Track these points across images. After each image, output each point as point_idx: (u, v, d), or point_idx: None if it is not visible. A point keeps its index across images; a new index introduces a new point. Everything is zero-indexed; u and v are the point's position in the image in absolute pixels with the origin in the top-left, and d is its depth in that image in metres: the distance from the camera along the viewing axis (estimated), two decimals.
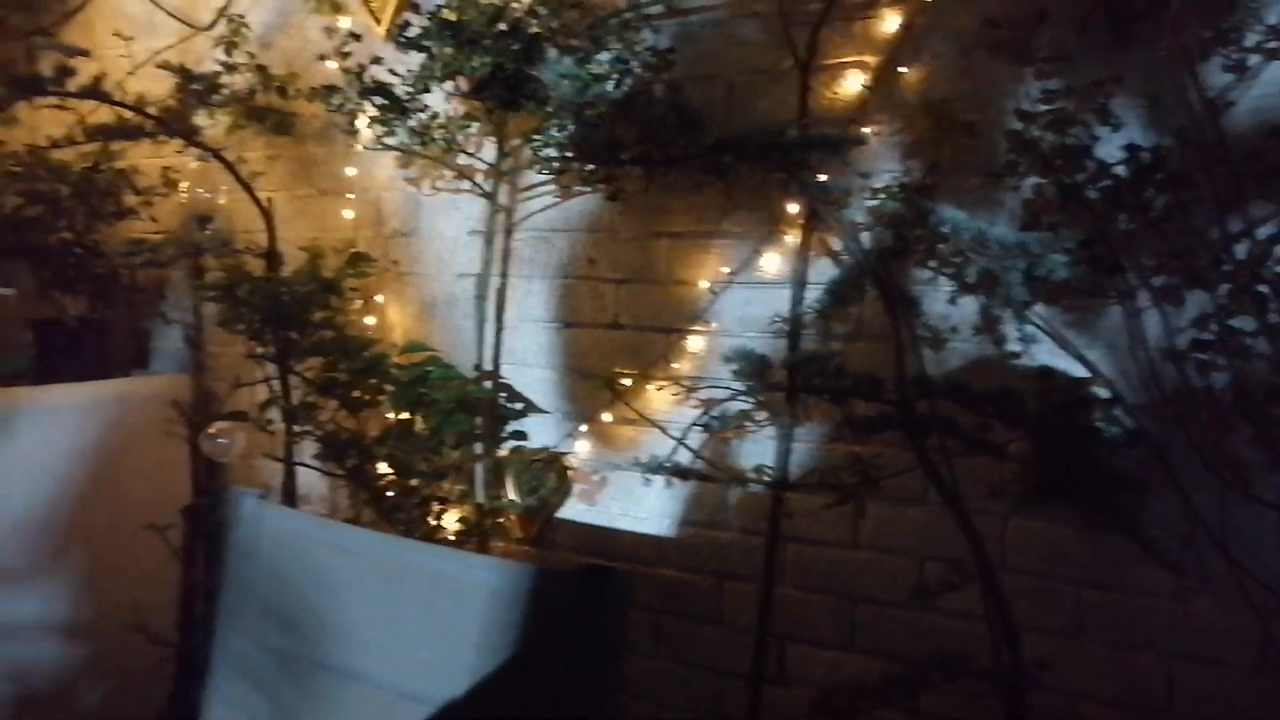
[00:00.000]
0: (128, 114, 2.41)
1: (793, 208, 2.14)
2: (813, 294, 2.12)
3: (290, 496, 2.55)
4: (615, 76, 2.10)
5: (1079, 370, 1.89)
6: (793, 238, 2.16)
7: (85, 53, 2.40)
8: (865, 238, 2.03)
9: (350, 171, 2.76)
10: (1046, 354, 1.91)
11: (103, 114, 2.66)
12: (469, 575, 1.37)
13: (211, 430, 2.51)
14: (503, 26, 2.13)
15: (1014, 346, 1.92)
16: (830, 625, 2.21)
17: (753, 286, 2.25)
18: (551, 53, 1.95)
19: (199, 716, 2.64)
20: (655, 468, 2.02)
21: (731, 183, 2.07)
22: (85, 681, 2.67)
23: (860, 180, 2.05)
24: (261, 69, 2.75)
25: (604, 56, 2.14)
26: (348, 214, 2.77)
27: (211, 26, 2.86)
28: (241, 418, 2.35)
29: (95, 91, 2.34)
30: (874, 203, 1.99)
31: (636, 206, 2.34)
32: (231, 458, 2.56)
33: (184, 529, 2.63)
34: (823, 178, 2.03)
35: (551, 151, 2.18)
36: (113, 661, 2.70)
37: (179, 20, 2.97)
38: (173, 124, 2.40)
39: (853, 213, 2.04)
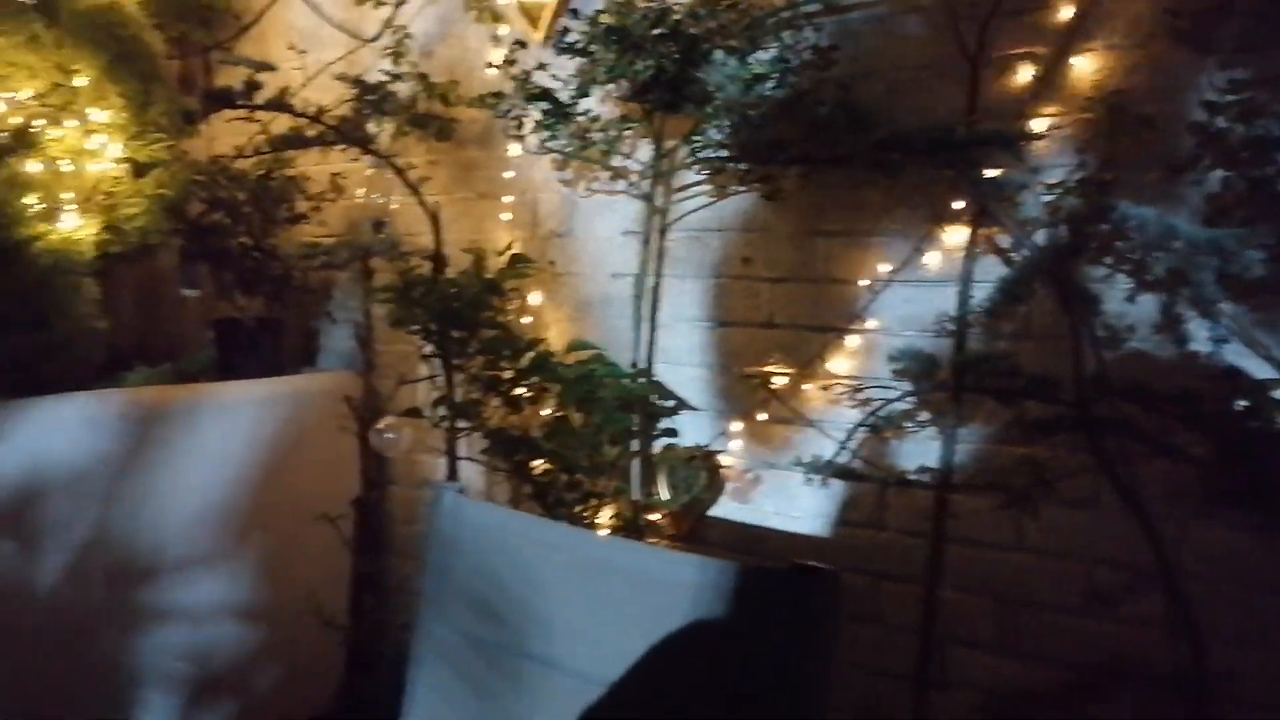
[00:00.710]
0: (306, 123, 2.54)
1: (957, 204, 2.11)
2: (978, 292, 2.09)
3: None
4: (776, 76, 2.11)
5: (1266, 371, 1.81)
6: (957, 235, 2.13)
7: (272, 68, 2.54)
8: (1039, 235, 1.99)
9: (508, 175, 2.84)
10: (1231, 353, 1.84)
11: (281, 124, 2.83)
12: (672, 572, 1.39)
13: (380, 426, 2.63)
14: (663, 30, 2.17)
15: (1201, 346, 1.84)
16: (991, 628, 2.17)
17: (913, 285, 2.23)
18: (718, 54, 1.97)
19: (370, 699, 2.78)
20: (818, 468, 2.02)
21: (896, 180, 2.05)
22: (261, 664, 2.82)
23: (1032, 176, 2.00)
24: (423, 77, 2.86)
25: (764, 56, 2.16)
26: (505, 216, 2.86)
27: (376, 38, 2.99)
28: (416, 415, 2.46)
29: (280, 104, 2.49)
30: (1050, 198, 1.94)
31: (793, 205, 2.34)
32: (399, 453, 2.68)
33: (354, 519, 2.76)
34: (993, 174, 2.00)
35: (711, 152, 2.20)
36: (287, 645, 2.85)
37: (346, 33, 3.12)
38: (350, 133, 2.52)
39: (1026, 209, 1.99)
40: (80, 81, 2.54)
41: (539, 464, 2.39)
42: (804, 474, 2.09)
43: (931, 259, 2.18)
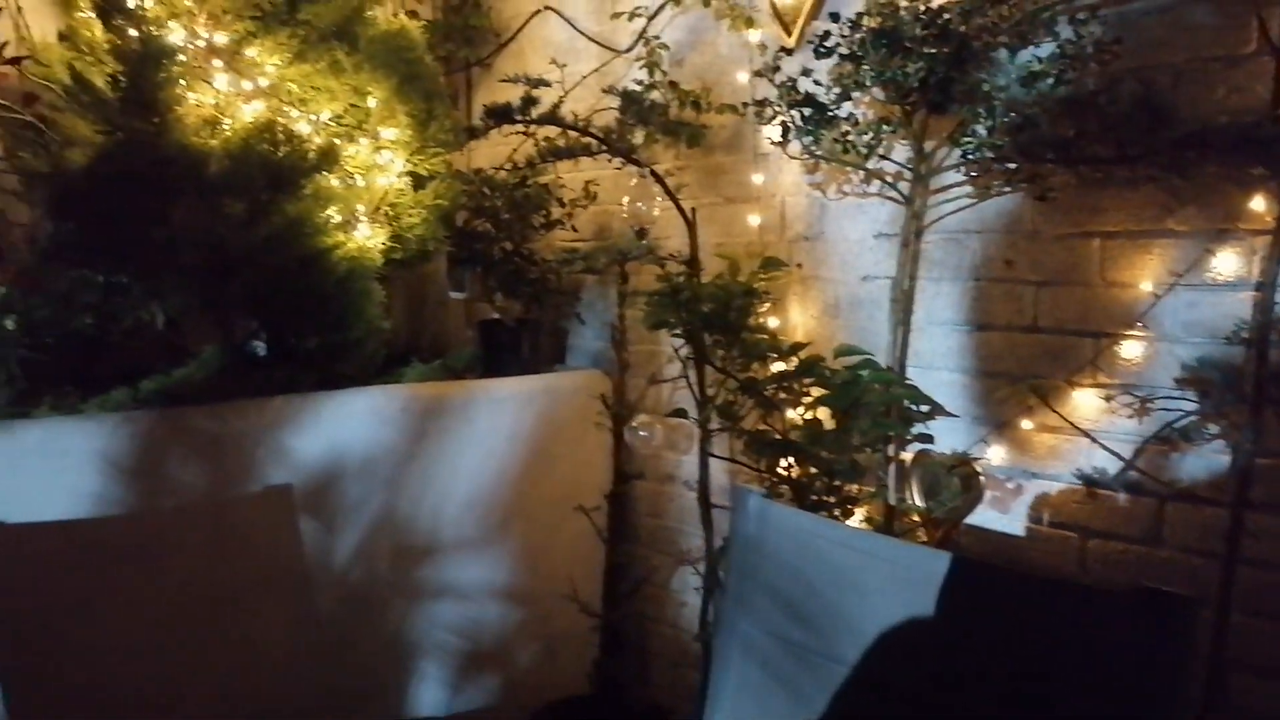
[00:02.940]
0: (573, 135, 2.68)
1: (1257, 204, 1.97)
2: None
3: (705, 488, 2.72)
4: (1055, 72, 2.05)
5: None
6: (1259, 236, 1.99)
7: (547, 83, 2.68)
8: None
9: (757, 179, 2.89)
10: None
11: (538, 134, 2.98)
12: (1003, 590, 1.37)
13: (634, 423, 2.74)
14: (934, 30, 2.14)
15: None
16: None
17: (1199, 289, 2.10)
18: (1001, 53, 1.93)
19: (621, 682, 2.91)
20: (1102, 481, 1.94)
21: (1188, 179, 1.94)
22: (521, 642, 3.00)
23: None
24: (674, 85, 2.94)
25: (1041, 52, 2.10)
26: (753, 219, 2.90)
27: (630, 49, 3.10)
28: (681, 415, 2.54)
29: (553, 117, 2.63)
30: None
31: (1062, 205, 2.26)
32: (651, 449, 2.78)
33: (608, 512, 2.89)
34: None
35: (984, 152, 2.16)
36: (544, 627, 3.02)
37: (600, 45, 3.25)
38: (615, 143, 2.64)
39: None
40: (372, 102, 2.78)
41: (791, 465, 2.43)
42: (1084, 486, 2.01)
43: (1224, 262, 2.05)
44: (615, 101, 2.92)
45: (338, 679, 2.67)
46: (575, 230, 3.31)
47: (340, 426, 2.66)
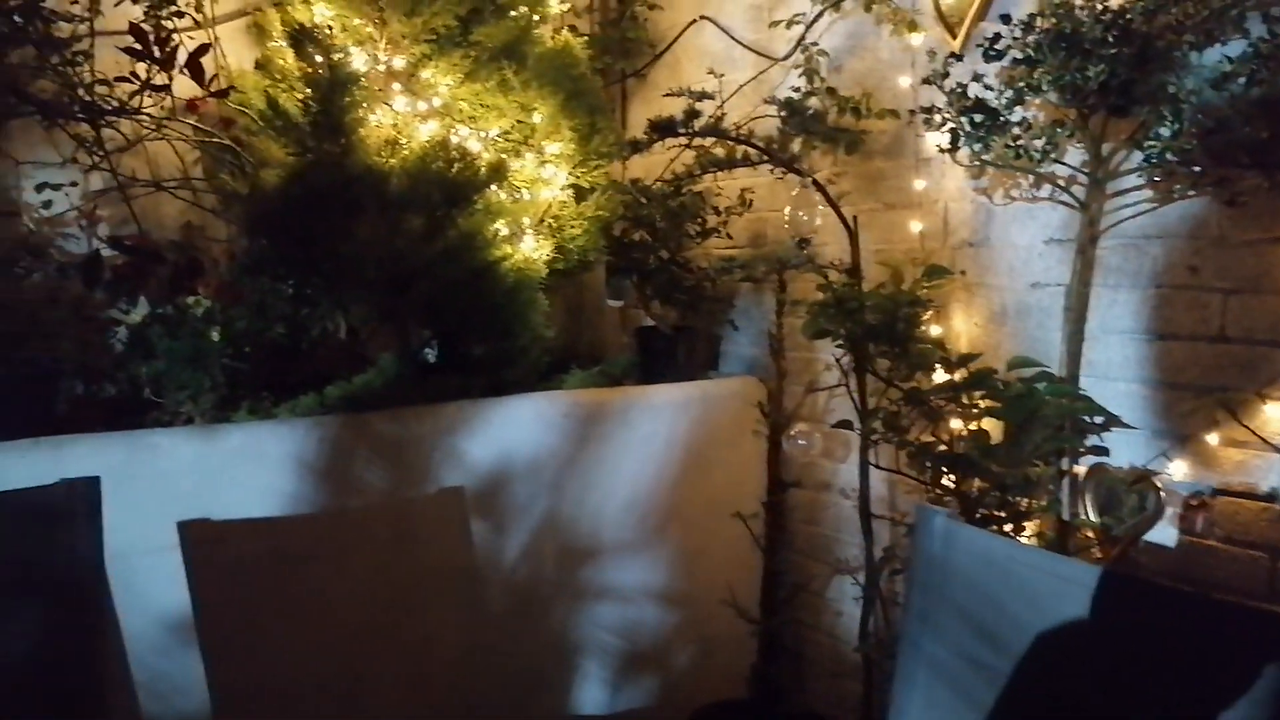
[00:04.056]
0: (730, 145, 2.70)
1: None
2: None
3: (865, 499, 2.70)
4: (1248, 72, 1.95)
5: None
6: None
7: (710, 96, 2.72)
8: None
9: (918, 184, 2.85)
10: None
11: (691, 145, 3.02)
12: (1205, 620, 1.32)
13: (793, 431, 2.74)
14: (1113, 31, 2.07)
15: None
16: None
17: None
18: (1192, 55, 1.85)
19: (779, 688, 2.91)
20: None
21: None
22: (678, 644, 3.05)
23: None
24: (831, 91, 2.93)
25: (1230, 50, 2.00)
26: (915, 226, 2.86)
27: (788, 57, 3.11)
28: (846, 426, 2.54)
29: (716, 130, 2.67)
30: None
31: (1251, 210, 2.15)
32: (810, 457, 2.78)
33: (765, 519, 2.91)
34: None
35: (1168, 156, 2.07)
36: (699, 630, 3.06)
37: (757, 53, 3.27)
38: (777, 154, 2.65)
39: None
40: (537, 118, 2.88)
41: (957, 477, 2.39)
42: (1274, 502, 1.91)
43: None
44: (770, 108, 2.93)
45: (505, 675, 2.78)
46: (730, 237, 3.34)
47: (508, 431, 2.76)
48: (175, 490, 2.31)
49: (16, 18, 2.29)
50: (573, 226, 2.99)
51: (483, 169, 2.68)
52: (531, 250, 2.83)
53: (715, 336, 3.46)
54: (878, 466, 2.66)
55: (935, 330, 2.80)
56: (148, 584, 2.23)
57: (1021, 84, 2.29)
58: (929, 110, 2.43)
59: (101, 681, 1.61)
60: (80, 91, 2.37)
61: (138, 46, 2.32)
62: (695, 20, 3.49)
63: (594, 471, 2.90)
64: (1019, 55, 2.27)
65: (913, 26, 2.73)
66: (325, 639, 2.49)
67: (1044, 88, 2.19)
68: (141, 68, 2.40)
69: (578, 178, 2.99)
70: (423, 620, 2.65)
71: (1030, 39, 2.25)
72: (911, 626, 1.69)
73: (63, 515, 1.61)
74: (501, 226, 2.77)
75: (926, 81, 2.44)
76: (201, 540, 2.30)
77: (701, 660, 3.07)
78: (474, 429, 2.72)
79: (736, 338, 3.48)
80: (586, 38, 3.53)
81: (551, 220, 2.95)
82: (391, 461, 2.60)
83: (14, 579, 1.57)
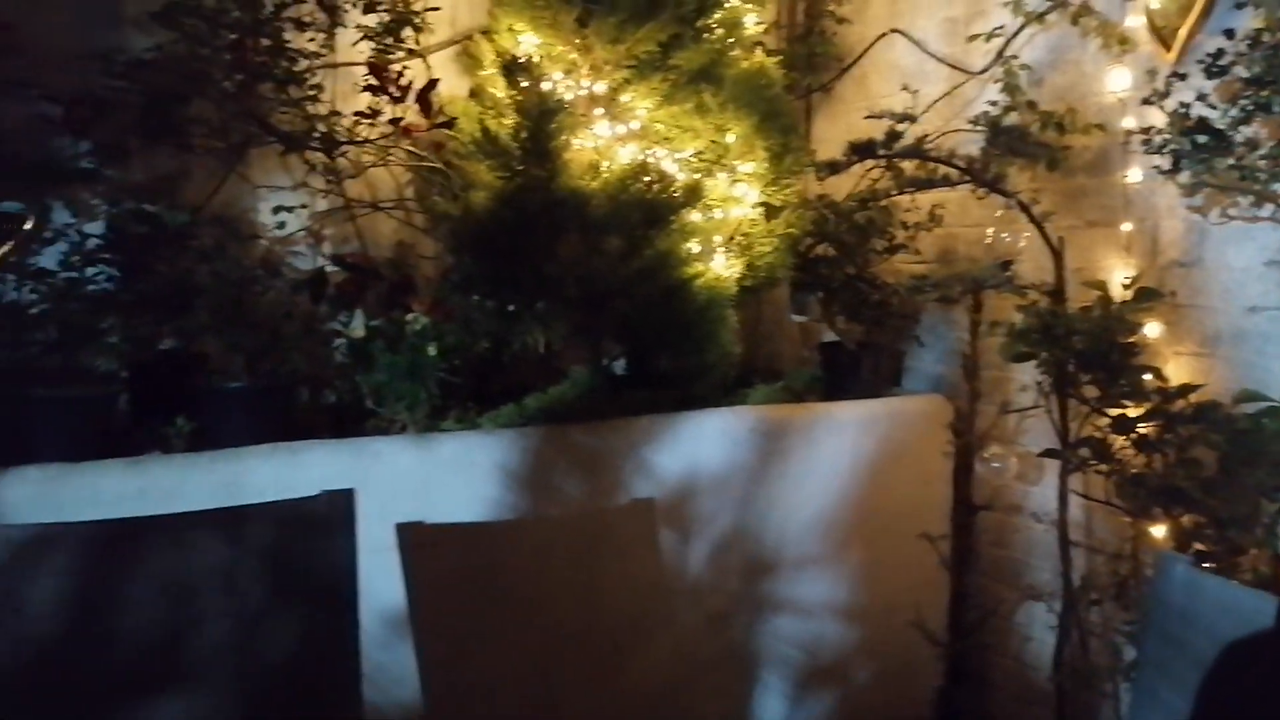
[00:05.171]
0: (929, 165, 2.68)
1: None
2: None
3: (1064, 526, 2.63)
4: None
5: None
6: None
7: (913, 118, 2.71)
8: None
9: (1124, 202, 2.75)
10: None
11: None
12: None
13: (987, 454, 2.70)
14: None
15: None
16: None
17: None
18: None
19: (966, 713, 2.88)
20: None
21: None
22: (859, 661, 3.05)
23: None
24: (1031, 105, 2.85)
25: None
26: (1122, 245, 2.76)
27: (985, 71, 3.05)
28: (1054, 455, 2.49)
29: (916, 151, 2.65)
30: None
31: None
32: (1004, 480, 2.73)
33: (953, 542, 2.87)
34: None
35: None
36: (881, 649, 3.04)
37: (951, 67, 3.21)
38: (979, 174, 2.61)
39: None
40: (730, 138, 2.93)
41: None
42: None
43: None
44: (962, 121, 2.88)
45: (688, 684, 2.84)
46: (918, 253, 3.30)
47: (696, 445, 2.83)
48: (394, 494, 2.47)
49: (261, 58, 2.51)
50: (763, 244, 3.03)
51: (679, 190, 2.76)
52: (723, 268, 2.89)
53: (899, 353, 3.42)
54: (1082, 496, 2.58)
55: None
56: (369, 581, 2.39)
57: (1248, 101, 2.19)
58: (1147, 131, 2.34)
59: (355, 677, 1.75)
60: (318, 123, 2.57)
61: (375, 83, 2.50)
62: (885, 34, 3.45)
63: (778, 486, 2.93)
64: (1245, 73, 2.17)
65: (1124, 41, 2.64)
66: (524, 639, 2.61)
67: (1275, 108, 2.08)
68: (377, 101, 2.58)
69: (769, 196, 3.02)
70: (613, 628, 2.74)
71: (1257, 54, 2.16)
72: (1146, 675, 1.65)
73: (324, 523, 1.77)
74: (694, 245, 2.84)
75: (1146, 102, 2.36)
76: (418, 542, 2.45)
77: (882, 679, 3.05)
78: (663, 442, 2.79)
79: (920, 354, 3.43)
80: (778, 55, 3.55)
81: (741, 238, 3.00)
82: (587, 472, 2.70)
83: (285, 582, 1.74)
